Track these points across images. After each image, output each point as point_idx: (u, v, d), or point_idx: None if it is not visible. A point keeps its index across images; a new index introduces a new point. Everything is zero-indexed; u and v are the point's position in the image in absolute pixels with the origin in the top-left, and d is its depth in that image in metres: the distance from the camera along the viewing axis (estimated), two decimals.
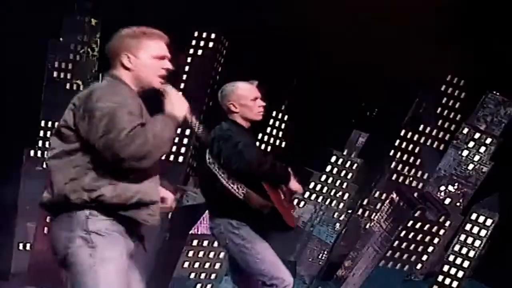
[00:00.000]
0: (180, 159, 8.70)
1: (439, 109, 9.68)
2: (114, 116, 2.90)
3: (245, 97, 4.72)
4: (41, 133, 9.09)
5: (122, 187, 2.93)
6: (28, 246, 8.69)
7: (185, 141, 8.77)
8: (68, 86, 9.09)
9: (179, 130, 9.07)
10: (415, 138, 9.62)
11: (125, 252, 2.96)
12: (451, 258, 8.96)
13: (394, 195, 9.04)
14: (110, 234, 2.85)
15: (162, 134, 2.96)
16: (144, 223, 2.98)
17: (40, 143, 9.01)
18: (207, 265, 8.79)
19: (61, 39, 9.07)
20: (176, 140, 8.95)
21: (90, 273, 2.83)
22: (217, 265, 8.87)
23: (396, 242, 8.80)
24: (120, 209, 2.94)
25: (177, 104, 3.13)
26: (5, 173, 8.39)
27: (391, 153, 9.61)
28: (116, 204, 2.91)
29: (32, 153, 8.94)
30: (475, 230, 8.90)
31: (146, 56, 3.17)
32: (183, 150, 8.68)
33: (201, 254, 8.70)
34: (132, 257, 3.09)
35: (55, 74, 9.05)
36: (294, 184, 4.67)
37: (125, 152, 2.80)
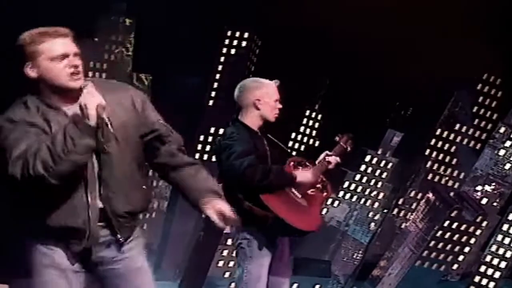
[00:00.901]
0: (213, 158, 8.69)
1: (475, 108, 9.56)
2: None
3: (270, 96, 4.68)
4: None
5: (46, 216, 2.90)
6: None
7: (210, 139, 8.77)
8: None
9: (213, 129, 9.06)
10: (451, 137, 9.51)
11: (69, 261, 2.92)
12: (488, 258, 8.85)
13: (430, 195, 8.95)
14: (45, 255, 2.85)
15: (60, 149, 2.80)
16: (70, 247, 2.94)
17: None
18: None
19: (95, 39, 9.12)
20: (210, 139, 8.95)
21: (32, 281, 2.90)
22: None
23: (432, 242, 8.72)
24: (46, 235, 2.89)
25: (86, 101, 2.89)
26: None
27: (427, 152, 9.52)
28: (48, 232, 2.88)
29: None
30: None
31: (45, 60, 2.95)
32: (207, 148, 8.68)
33: (235, 253, 8.68)
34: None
35: (89, 74, 9.09)
36: (302, 176, 4.55)
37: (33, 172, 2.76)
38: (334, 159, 4.94)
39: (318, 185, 4.85)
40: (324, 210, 9.16)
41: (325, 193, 4.90)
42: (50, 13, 8.14)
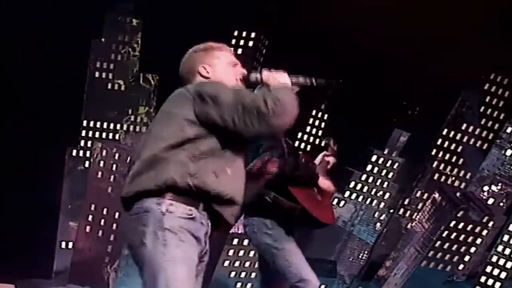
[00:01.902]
0: None
1: (482, 108, 9.54)
2: (239, 91, 3.17)
3: None
4: (83, 133, 9.18)
5: (222, 180, 3.03)
6: (70, 245, 8.78)
7: None
8: (109, 86, 9.16)
9: None
10: (457, 137, 9.49)
11: (196, 254, 2.99)
12: (494, 259, 8.83)
13: (436, 195, 8.93)
14: (183, 233, 2.88)
15: (285, 98, 3.12)
16: (228, 220, 3.04)
17: (82, 143, 9.09)
18: (247, 264, 8.79)
19: (102, 39, 9.14)
20: None
21: (161, 272, 2.87)
22: (257, 264, 8.87)
23: (438, 242, 8.70)
24: (213, 202, 3.00)
25: (277, 76, 3.36)
26: (47, 173, 8.50)
27: (433, 152, 9.51)
28: (212, 196, 2.97)
29: (74, 152, 9.02)
30: None
31: (221, 64, 3.47)
32: None
33: (241, 253, 8.70)
34: (201, 262, 3.09)
35: (96, 74, 9.13)
36: (323, 183, 4.68)
37: (266, 109, 2.95)
38: (332, 159, 5.07)
39: None
40: None
41: (333, 189, 5.03)
42: (58, 13, 8.17)
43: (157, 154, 2.97)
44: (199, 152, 2.91)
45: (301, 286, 4.47)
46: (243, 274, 8.85)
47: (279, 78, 3.30)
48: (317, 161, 5.12)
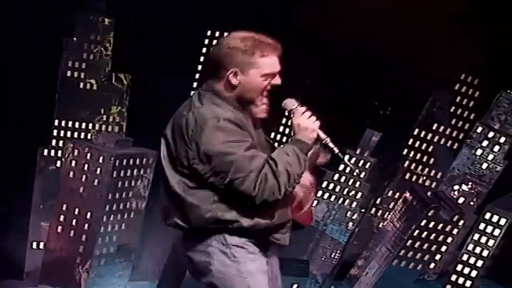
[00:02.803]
0: None
1: (453, 108, 9.62)
2: (237, 161, 2.78)
3: None
4: (55, 132, 9.12)
5: (258, 215, 2.88)
6: (41, 245, 8.71)
7: None
8: (81, 85, 9.11)
9: None
10: (428, 137, 9.57)
11: (266, 265, 2.92)
12: (465, 257, 8.91)
13: (408, 194, 9.00)
14: (250, 246, 2.81)
15: (294, 169, 2.88)
16: (275, 241, 2.95)
17: (53, 142, 9.03)
18: None
19: (74, 38, 9.09)
20: None
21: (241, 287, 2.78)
22: None
23: (409, 242, 8.77)
24: (256, 233, 2.89)
25: (307, 126, 3.00)
26: (19, 172, 8.44)
27: (405, 152, 9.57)
28: (254, 229, 2.87)
29: (45, 152, 8.96)
30: (489, 229, 8.86)
31: (257, 75, 2.96)
32: None
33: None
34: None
35: (68, 73, 9.07)
36: (305, 177, 4.62)
37: (259, 199, 2.77)
38: (320, 152, 5.01)
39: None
40: None
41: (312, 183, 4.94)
42: (29, 11, 8.11)
43: None
44: None
45: None
46: None
47: (308, 132, 3.00)
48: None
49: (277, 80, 3.04)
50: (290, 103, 3.11)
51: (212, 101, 2.92)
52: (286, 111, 3.16)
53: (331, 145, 3.11)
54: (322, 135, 3.06)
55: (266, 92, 3.01)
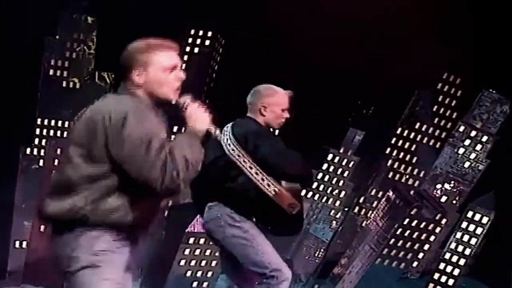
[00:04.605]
0: None
1: (435, 107, 9.68)
2: (147, 150, 2.94)
3: (279, 105, 4.75)
4: (37, 131, 9.07)
5: (135, 208, 3.00)
6: (24, 244, 8.67)
7: (172, 138, 8.79)
8: (64, 84, 9.08)
9: (175, 128, 9.07)
10: (411, 136, 9.62)
11: (125, 267, 3.02)
12: (447, 256, 8.97)
13: (391, 193, 9.04)
14: (114, 253, 2.91)
15: (192, 158, 3.05)
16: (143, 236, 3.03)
17: (36, 141, 8.99)
18: (203, 263, 8.80)
19: (57, 37, 9.05)
20: (173, 137, 8.94)
21: None
22: (214, 263, 8.87)
23: (392, 240, 8.81)
24: (128, 228, 3.00)
25: (198, 118, 3.22)
26: (1, 171, 8.39)
27: (388, 151, 9.62)
28: (128, 224, 2.97)
29: (28, 151, 8.91)
30: (471, 228, 8.92)
31: (156, 69, 3.22)
32: None
33: (197, 252, 8.70)
34: (130, 268, 3.14)
35: (51, 72, 9.04)
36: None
37: (161, 186, 2.87)
38: None
39: None
40: None
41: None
42: (11, 9, 8.07)
43: None
44: None
45: (274, 275, 4.41)
46: (199, 273, 8.85)
47: (199, 123, 3.15)
48: None
49: (180, 74, 3.23)
50: (184, 98, 3.27)
51: (120, 97, 3.12)
52: (181, 104, 3.28)
53: (217, 134, 3.30)
54: (212, 127, 3.23)
55: (175, 85, 3.21)
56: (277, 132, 4.91)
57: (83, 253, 2.78)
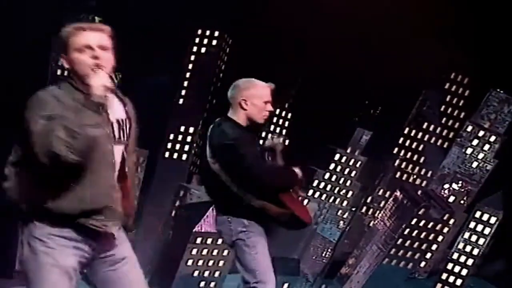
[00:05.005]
0: (184, 157, 8.72)
1: (443, 107, 9.67)
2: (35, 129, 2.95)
3: (259, 98, 4.68)
4: None
5: (70, 196, 2.97)
6: None
7: (188, 138, 8.77)
8: None
9: (183, 128, 9.07)
10: (419, 136, 9.61)
11: (72, 260, 2.97)
12: (455, 256, 8.95)
13: (398, 193, 9.03)
14: (51, 238, 2.90)
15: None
16: (95, 228, 3.00)
17: None
18: (210, 262, 8.80)
19: None
20: (180, 138, 8.96)
21: (34, 279, 2.91)
22: (221, 263, 8.87)
23: (400, 240, 8.80)
24: (69, 218, 2.97)
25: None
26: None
27: (395, 151, 9.61)
28: (65, 214, 2.94)
29: None
30: (479, 228, 8.90)
31: (73, 52, 3.18)
32: (186, 147, 8.69)
33: (204, 251, 8.70)
34: (85, 265, 3.09)
35: (58, 71, 9.06)
36: (299, 173, 4.63)
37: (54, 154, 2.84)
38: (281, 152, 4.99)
39: None
40: None
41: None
42: (20, 10, 8.09)
43: None
44: None
45: (257, 287, 4.42)
46: (206, 273, 8.85)
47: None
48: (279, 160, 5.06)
49: (97, 53, 3.19)
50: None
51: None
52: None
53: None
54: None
55: (93, 65, 3.17)
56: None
57: (27, 238, 2.83)
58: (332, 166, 9.40)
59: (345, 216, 9.44)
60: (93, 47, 3.04)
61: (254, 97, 4.67)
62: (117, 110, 3.14)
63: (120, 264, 3.15)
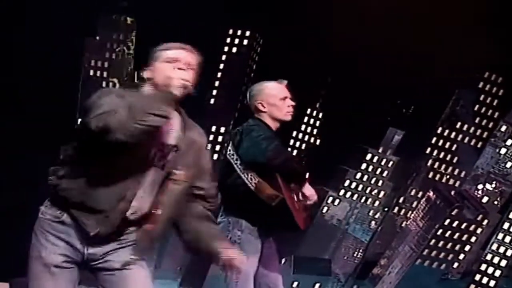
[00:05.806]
0: (215, 156, 8.72)
1: (477, 106, 9.56)
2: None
3: (273, 96, 4.74)
4: None
5: (76, 182, 3.05)
6: None
7: (220, 138, 8.78)
8: (104, 84, 9.16)
9: (214, 128, 9.07)
10: (452, 136, 9.51)
11: (55, 258, 3.03)
12: (489, 257, 8.85)
13: (431, 193, 8.95)
14: (43, 234, 3.00)
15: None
16: (82, 225, 3.05)
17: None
18: None
19: (97, 37, 9.13)
20: (211, 137, 8.95)
21: (27, 268, 3.05)
22: None
23: (433, 241, 8.72)
24: (67, 204, 3.05)
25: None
26: (41, 172, 8.46)
27: (428, 151, 9.52)
28: (64, 197, 3.04)
29: None
30: None
31: (161, 61, 3.43)
32: (217, 147, 8.70)
33: None
34: (76, 266, 3.15)
35: (91, 72, 9.12)
36: (308, 189, 4.65)
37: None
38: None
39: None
40: (325, 209, 9.17)
41: (315, 198, 4.90)
42: (53, 11, 8.16)
43: None
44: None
45: None
46: None
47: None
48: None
49: (183, 67, 3.50)
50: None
51: None
52: None
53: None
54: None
55: (176, 78, 3.43)
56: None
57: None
58: (363, 166, 9.35)
59: (376, 216, 9.39)
60: (181, 61, 3.26)
61: (268, 97, 4.74)
62: (170, 135, 3.23)
63: (119, 270, 3.19)
